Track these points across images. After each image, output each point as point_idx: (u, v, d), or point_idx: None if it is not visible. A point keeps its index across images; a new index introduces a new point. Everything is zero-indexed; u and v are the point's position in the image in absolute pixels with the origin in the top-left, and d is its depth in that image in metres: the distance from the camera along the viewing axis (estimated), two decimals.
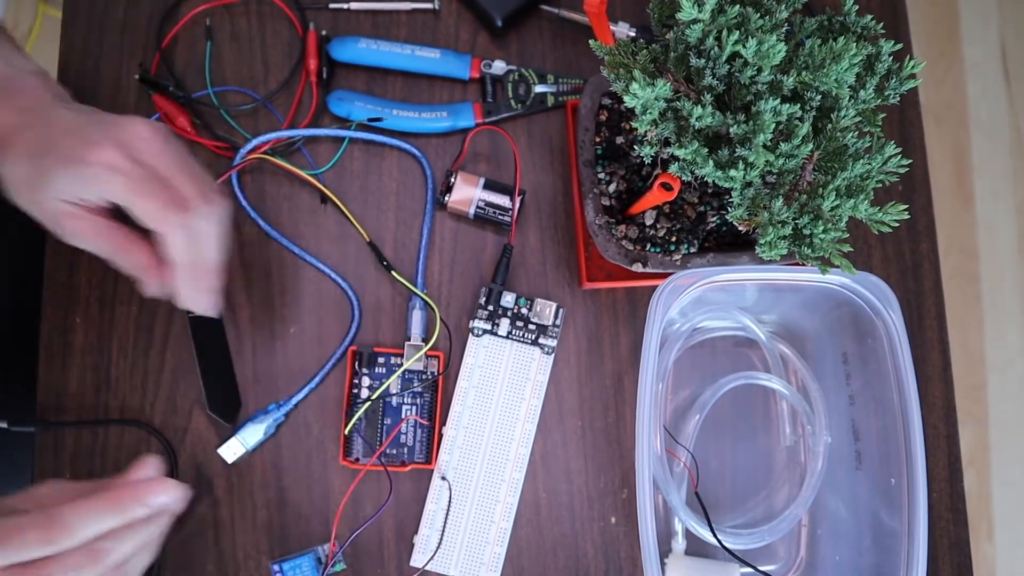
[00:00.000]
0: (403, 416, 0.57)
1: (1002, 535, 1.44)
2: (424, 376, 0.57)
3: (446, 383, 0.58)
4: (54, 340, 0.57)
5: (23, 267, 0.70)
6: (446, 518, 0.56)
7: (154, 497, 0.44)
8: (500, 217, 0.58)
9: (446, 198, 0.58)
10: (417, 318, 0.57)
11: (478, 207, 0.58)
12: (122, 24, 0.61)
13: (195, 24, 0.61)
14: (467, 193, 0.58)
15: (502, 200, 0.58)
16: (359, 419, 0.56)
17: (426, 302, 0.58)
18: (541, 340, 0.57)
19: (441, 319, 0.58)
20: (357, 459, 0.56)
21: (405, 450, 0.57)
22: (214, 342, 0.57)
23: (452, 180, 0.58)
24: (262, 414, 0.56)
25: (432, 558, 0.55)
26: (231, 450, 0.55)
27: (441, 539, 0.55)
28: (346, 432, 0.55)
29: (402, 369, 0.56)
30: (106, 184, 0.44)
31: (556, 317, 0.57)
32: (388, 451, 0.56)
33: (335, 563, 0.54)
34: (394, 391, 0.57)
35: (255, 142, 0.58)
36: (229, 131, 0.60)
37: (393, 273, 0.58)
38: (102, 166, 0.44)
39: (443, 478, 0.56)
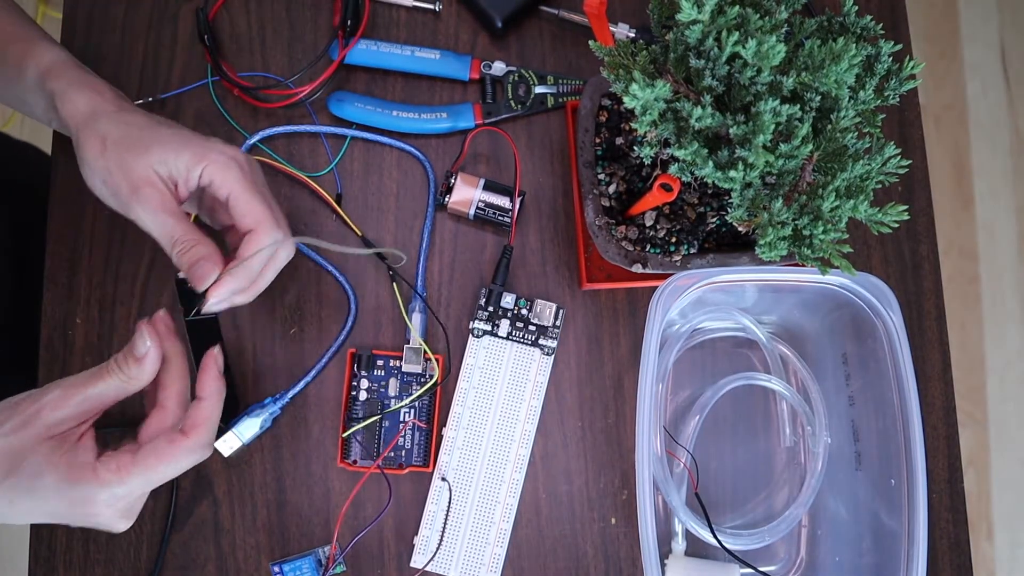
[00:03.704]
0: (402, 420, 0.57)
1: (1002, 535, 1.44)
2: (423, 379, 0.57)
3: (446, 385, 0.58)
4: (54, 340, 0.57)
5: (23, 267, 0.70)
6: (446, 519, 0.56)
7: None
8: (500, 218, 0.58)
9: (446, 199, 0.58)
10: (417, 321, 0.57)
11: (478, 208, 0.58)
12: (122, 24, 0.61)
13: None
14: (467, 194, 0.58)
15: (502, 201, 0.58)
16: (357, 421, 0.56)
17: (426, 305, 0.58)
18: (541, 341, 0.57)
19: (442, 325, 0.58)
20: (355, 461, 0.56)
21: (403, 453, 0.57)
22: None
23: (452, 181, 0.58)
24: (258, 407, 0.56)
25: (432, 559, 0.55)
26: (227, 444, 0.55)
27: (441, 540, 0.55)
28: (344, 435, 0.55)
29: (412, 398, 0.56)
30: (226, 172, 0.47)
31: (556, 318, 0.57)
32: (384, 453, 0.56)
33: (335, 565, 0.54)
34: (393, 394, 0.57)
35: (252, 140, 0.59)
36: (228, 129, 0.60)
37: (393, 283, 0.58)
38: (227, 156, 0.48)
39: (443, 479, 0.56)
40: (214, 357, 0.48)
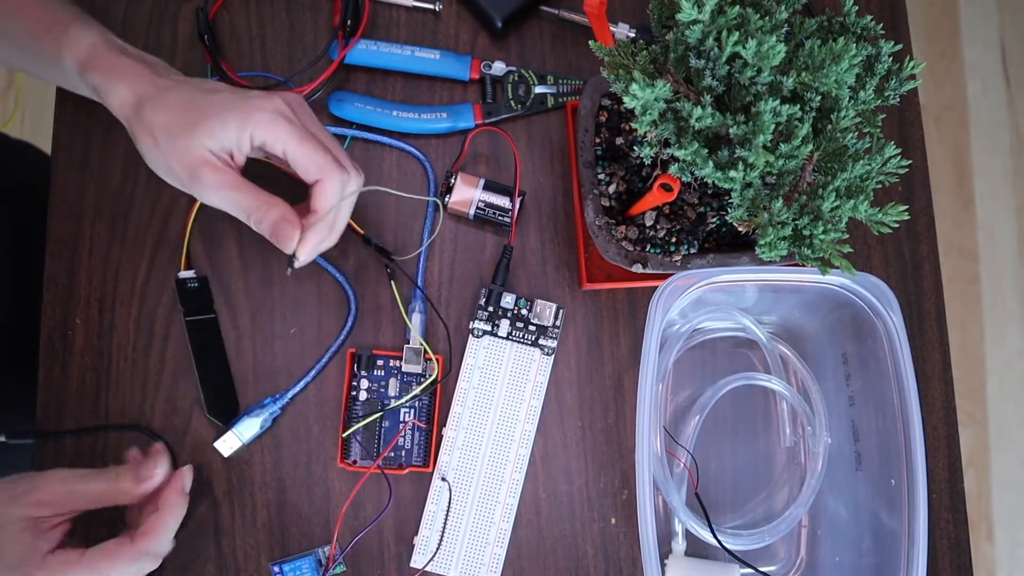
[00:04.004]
0: (402, 420, 0.57)
1: (1002, 535, 1.44)
2: (423, 379, 0.57)
3: (446, 384, 0.58)
4: (54, 341, 0.57)
5: (23, 267, 0.70)
6: (446, 519, 0.56)
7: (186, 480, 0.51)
8: (500, 218, 0.58)
9: (446, 199, 0.58)
10: (417, 321, 0.57)
11: (478, 208, 0.58)
12: (122, 24, 0.61)
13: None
14: (467, 194, 0.58)
15: (502, 201, 0.58)
16: (357, 421, 0.56)
17: (426, 299, 0.58)
18: (541, 341, 0.57)
19: (442, 320, 0.58)
20: (355, 461, 0.56)
21: (403, 453, 0.57)
22: (211, 345, 0.57)
23: (452, 181, 0.58)
24: (258, 407, 0.56)
25: (432, 559, 0.55)
26: (227, 444, 0.55)
27: (441, 540, 0.55)
28: (344, 436, 0.55)
29: (411, 396, 0.56)
30: (274, 129, 0.46)
31: (556, 318, 0.57)
32: (383, 453, 0.56)
33: (335, 565, 0.54)
34: (393, 394, 0.57)
35: None
36: None
37: (392, 281, 0.58)
38: (271, 111, 0.46)
39: (443, 479, 0.56)
40: (183, 473, 0.51)
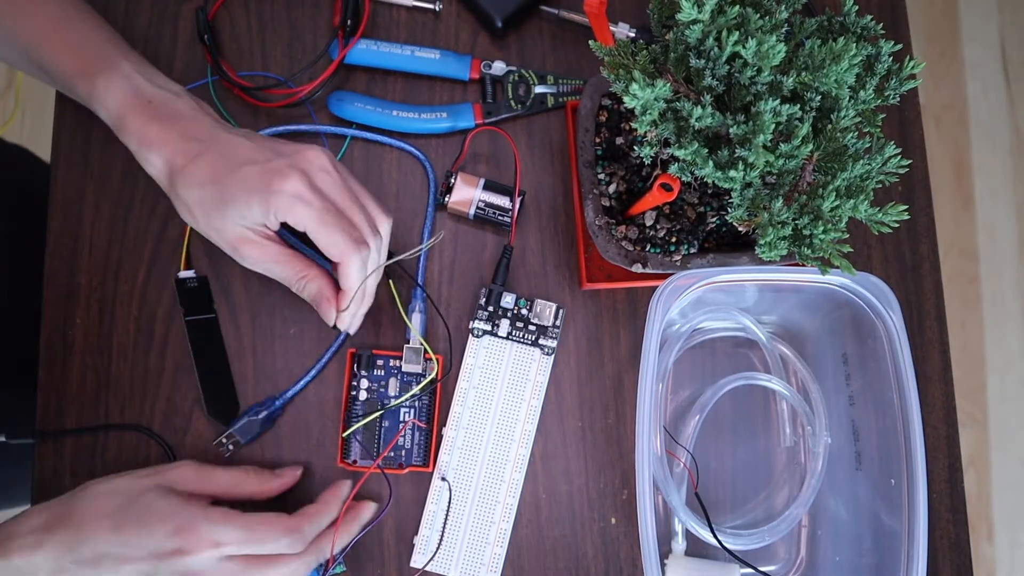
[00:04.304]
0: (402, 420, 0.57)
1: (1002, 535, 1.44)
2: (423, 379, 0.57)
3: (446, 384, 0.58)
4: (54, 340, 0.57)
5: (24, 268, 0.70)
6: (446, 519, 0.56)
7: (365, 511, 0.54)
8: (500, 218, 0.58)
9: (446, 199, 0.58)
10: (417, 320, 0.57)
11: (478, 208, 0.58)
12: (122, 24, 0.61)
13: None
14: (467, 194, 0.58)
15: (502, 201, 0.58)
16: (357, 421, 0.56)
17: (426, 295, 0.58)
18: (541, 341, 0.57)
19: (442, 317, 0.58)
20: (355, 461, 0.56)
21: (403, 452, 0.57)
22: (211, 345, 0.57)
23: (452, 181, 0.58)
24: (258, 407, 0.56)
25: (432, 559, 0.55)
26: (227, 444, 0.55)
27: (440, 539, 0.55)
28: (344, 435, 0.55)
29: (410, 394, 0.56)
30: (293, 213, 0.47)
31: (556, 318, 0.57)
32: (383, 453, 0.56)
33: (336, 565, 0.54)
34: (393, 394, 0.57)
35: None
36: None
37: (389, 279, 0.58)
38: (290, 195, 0.47)
39: (443, 479, 0.56)
40: (364, 508, 0.54)
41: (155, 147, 0.49)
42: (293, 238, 0.53)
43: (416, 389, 0.56)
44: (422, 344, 0.56)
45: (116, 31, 0.54)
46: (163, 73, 0.53)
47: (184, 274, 0.57)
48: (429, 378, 0.56)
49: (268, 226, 0.49)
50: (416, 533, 0.56)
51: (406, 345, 0.57)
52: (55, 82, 0.54)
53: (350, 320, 0.52)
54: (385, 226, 0.52)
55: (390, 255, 0.58)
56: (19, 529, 0.47)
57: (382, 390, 0.57)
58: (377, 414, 0.56)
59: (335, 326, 0.52)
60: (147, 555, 0.46)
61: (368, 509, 0.54)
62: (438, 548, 0.55)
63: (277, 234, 0.50)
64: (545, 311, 0.57)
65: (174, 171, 0.48)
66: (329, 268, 0.52)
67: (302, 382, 0.57)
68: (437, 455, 0.56)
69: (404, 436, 0.56)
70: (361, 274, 0.50)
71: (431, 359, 0.57)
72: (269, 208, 0.47)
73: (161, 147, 0.49)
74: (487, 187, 0.58)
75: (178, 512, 0.47)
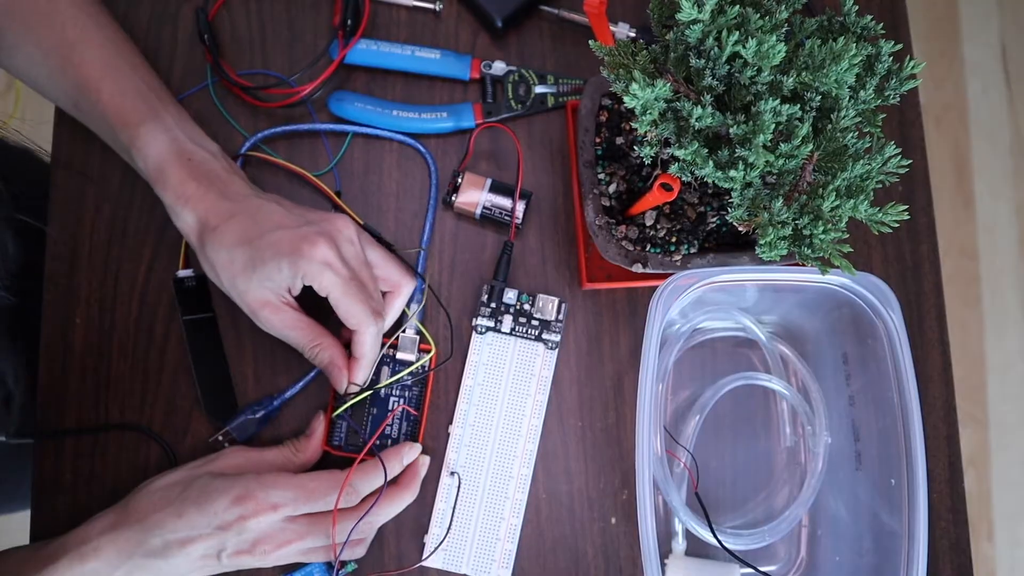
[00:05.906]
0: (391, 408, 0.56)
1: (1002, 535, 1.44)
2: (415, 368, 0.56)
3: (446, 384, 0.57)
4: (54, 341, 0.57)
5: (24, 267, 0.70)
6: (452, 515, 0.56)
7: (409, 455, 0.54)
8: (506, 218, 0.58)
9: (453, 198, 0.58)
10: (414, 310, 0.57)
11: (484, 208, 0.58)
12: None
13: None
14: (474, 195, 0.58)
15: (509, 202, 0.58)
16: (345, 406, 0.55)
17: (424, 295, 0.58)
18: (544, 335, 0.57)
19: (443, 306, 0.58)
20: (339, 446, 0.55)
21: (389, 441, 0.56)
22: (209, 344, 0.57)
23: (459, 180, 0.58)
24: (255, 406, 0.56)
25: (438, 553, 0.55)
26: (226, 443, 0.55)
27: (446, 535, 0.55)
28: (333, 416, 0.55)
29: (398, 376, 0.56)
30: (320, 279, 0.49)
31: (559, 312, 0.57)
32: (371, 441, 0.56)
33: (348, 564, 0.54)
34: (384, 382, 0.56)
35: (252, 142, 0.59)
36: (228, 130, 0.60)
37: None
38: (319, 262, 0.48)
39: (452, 474, 0.56)
40: (421, 466, 0.55)
41: (191, 204, 0.50)
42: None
43: (403, 373, 0.56)
44: (420, 329, 0.56)
45: (160, 79, 0.55)
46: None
47: (182, 273, 0.57)
48: (420, 361, 0.56)
49: (292, 290, 0.50)
50: (427, 531, 0.56)
51: (401, 333, 0.56)
52: (96, 128, 0.55)
53: (360, 385, 0.54)
54: (408, 288, 0.54)
55: (388, 245, 0.58)
56: (88, 534, 0.48)
57: (374, 378, 0.56)
58: (366, 394, 0.55)
59: (346, 392, 0.53)
60: (213, 530, 0.48)
61: (423, 466, 0.55)
62: (443, 542, 0.55)
63: (296, 300, 0.51)
64: (548, 306, 0.57)
65: (206, 230, 0.50)
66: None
67: (300, 384, 0.57)
68: (446, 450, 0.56)
69: (391, 424, 0.56)
70: (375, 343, 0.52)
71: (429, 349, 0.57)
72: (298, 272, 0.48)
73: (196, 205, 0.50)
74: (494, 188, 0.58)
75: (234, 484, 0.49)
